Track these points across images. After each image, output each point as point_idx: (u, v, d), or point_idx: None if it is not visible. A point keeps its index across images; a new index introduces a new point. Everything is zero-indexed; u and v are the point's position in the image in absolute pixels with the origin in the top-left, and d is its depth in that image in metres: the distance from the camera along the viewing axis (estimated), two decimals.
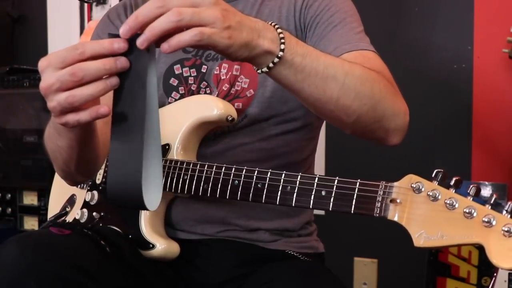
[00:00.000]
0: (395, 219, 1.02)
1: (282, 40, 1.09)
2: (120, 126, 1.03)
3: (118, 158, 1.03)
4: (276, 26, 1.11)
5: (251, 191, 1.21)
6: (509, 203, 0.93)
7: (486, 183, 2.32)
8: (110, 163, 1.04)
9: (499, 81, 2.46)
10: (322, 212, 1.23)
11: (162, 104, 1.47)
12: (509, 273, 1.90)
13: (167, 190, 1.35)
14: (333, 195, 1.10)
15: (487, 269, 2.19)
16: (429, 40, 2.60)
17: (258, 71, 1.12)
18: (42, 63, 1.04)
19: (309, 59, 1.13)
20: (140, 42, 0.98)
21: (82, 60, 1.00)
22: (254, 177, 1.20)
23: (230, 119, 1.37)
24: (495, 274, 1.92)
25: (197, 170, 1.30)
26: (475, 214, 0.94)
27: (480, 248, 0.94)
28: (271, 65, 1.09)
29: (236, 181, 1.23)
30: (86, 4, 3.24)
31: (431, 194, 0.98)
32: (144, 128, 1.01)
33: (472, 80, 2.51)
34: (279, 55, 1.09)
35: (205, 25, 0.99)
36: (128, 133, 1.02)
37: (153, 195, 1.04)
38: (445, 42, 2.57)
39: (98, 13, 3.18)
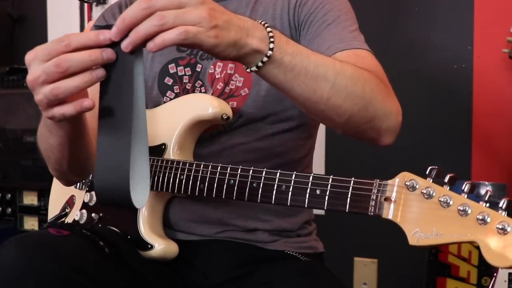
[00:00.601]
0: (390, 217, 1.02)
1: (272, 39, 1.08)
2: (107, 120, 1.02)
3: (105, 154, 1.02)
4: (266, 25, 1.10)
5: (247, 191, 1.21)
6: (503, 200, 0.92)
7: (486, 183, 2.32)
8: (97, 159, 1.03)
9: (499, 81, 2.46)
10: (322, 212, 1.23)
11: (157, 104, 1.48)
12: (509, 273, 1.89)
13: (164, 190, 1.35)
14: (327, 194, 1.10)
15: (487, 269, 2.19)
16: (429, 40, 2.60)
17: (247, 70, 1.11)
18: (28, 56, 1.03)
19: (299, 58, 1.12)
20: (125, 45, 0.99)
21: (68, 52, 1.00)
22: (249, 176, 1.20)
23: (225, 117, 1.37)
24: (495, 274, 1.91)
25: (193, 170, 1.30)
26: (469, 212, 0.94)
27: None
28: (260, 64, 1.09)
29: (232, 181, 1.23)
30: (86, 4, 3.24)
31: (425, 191, 0.98)
32: (131, 123, 1.00)
33: (472, 80, 2.51)
34: (268, 54, 1.08)
35: (191, 25, 0.99)
36: (114, 128, 1.01)
37: (140, 192, 1.03)
38: (445, 42, 2.56)
39: (98, 13, 3.18)
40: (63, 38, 1.01)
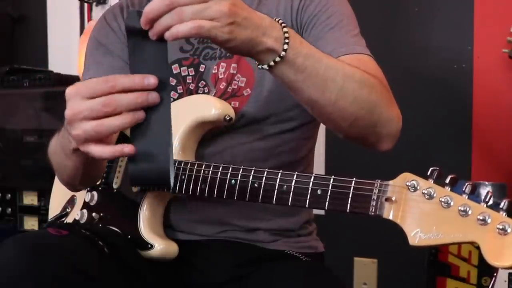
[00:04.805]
0: (390, 217, 1.02)
1: (287, 40, 1.11)
2: None
3: (145, 136, 1.06)
4: (283, 25, 1.12)
5: (248, 191, 1.21)
6: (504, 200, 0.93)
7: (486, 183, 2.32)
8: (135, 140, 1.06)
9: (499, 81, 2.46)
10: (322, 212, 1.24)
11: None
12: (509, 273, 1.90)
13: (165, 190, 1.35)
14: (328, 194, 1.10)
15: (487, 269, 2.18)
16: (429, 40, 2.60)
17: (259, 67, 1.14)
18: (69, 91, 1.07)
19: (311, 60, 1.14)
20: (151, 35, 1.04)
21: (112, 93, 1.03)
22: (251, 176, 1.21)
23: (228, 118, 1.38)
24: (495, 274, 1.92)
25: (195, 170, 1.31)
26: (470, 212, 0.94)
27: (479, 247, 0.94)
28: (272, 63, 1.11)
29: (233, 181, 1.24)
30: (86, 4, 3.24)
31: (426, 192, 0.98)
32: (170, 102, 1.05)
33: (472, 80, 2.51)
34: (281, 55, 1.11)
35: (208, 19, 1.02)
36: (154, 110, 1.05)
37: (172, 172, 1.06)
38: (445, 42, 2.57)
39: (98, 13, 3.18)
40: (108, 79, 1.04)
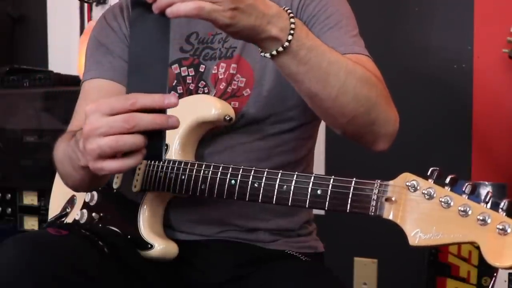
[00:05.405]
0: (390, 217, 1.02)
1: (292, 31, 1.11)
2: (140, 72, 1.06)
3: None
4: (291, 15, 1.13)
5: (248, 191, 1.21)
6: (504, 201, 0.93)
7: (486, 183, 2.32)
8: None
9: (499, 81, 2.46)
10: (322, 212, 1.24)
11: None
12: (509, 273, 1.89)
13: (165, 190, 1.35)
14: (328, 194, 1.10)
15: (487, 269, 2.19)
16: (429, 40, 2.60)
17: (261, 54, 1.14)
18: (90, 107, 1.05)
19: (315, 53, 1.15)
20: (154, 8, 1.05)
21: (132, 111, 1.02)
22: (251, 176, 1.21)
23: (228, 118, 1.38)
24: (495, 274, 1.91)
25: (195, 170, 1.31)
26: (470, 212, 0.94)
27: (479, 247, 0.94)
28: (274, 52, 1.12)
29: (233, 181, 1.24)
30: (86, 4, 3.24)
31: (426, 192, 0.98)
32: (167, 74, 1.07)
33: (472, 80, 2.51)
34: (285, 45, 1.11)
35: (209, 1, 1.03)
36: (149, 80, 1.06)
37: (164, 148, 1.07)
38: (445, 42, 2.57)
39: (98, 13, 3.18)
40: (128, 96, 1.03)
